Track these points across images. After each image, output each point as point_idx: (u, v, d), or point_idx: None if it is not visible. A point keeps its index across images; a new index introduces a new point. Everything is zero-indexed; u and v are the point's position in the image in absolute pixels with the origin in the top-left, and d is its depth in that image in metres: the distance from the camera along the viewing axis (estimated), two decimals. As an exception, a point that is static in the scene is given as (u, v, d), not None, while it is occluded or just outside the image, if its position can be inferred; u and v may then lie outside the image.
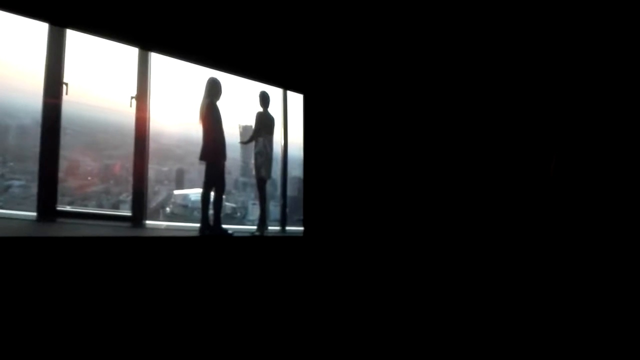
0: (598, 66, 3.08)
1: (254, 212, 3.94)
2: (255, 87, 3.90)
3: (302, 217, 4.12)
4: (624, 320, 2.55)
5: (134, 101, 3.13)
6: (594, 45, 3.14)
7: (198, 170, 3.50)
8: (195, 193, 3.51)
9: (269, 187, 4.00)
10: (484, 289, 3.34)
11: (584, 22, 3.20)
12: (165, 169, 3.38)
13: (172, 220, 3.38)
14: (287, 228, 4.10)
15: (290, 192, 4.20)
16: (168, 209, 3.41)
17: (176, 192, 3.45)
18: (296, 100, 4.17)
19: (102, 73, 3.02)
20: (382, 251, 3.96)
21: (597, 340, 2.58)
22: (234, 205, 3.89)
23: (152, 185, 3.22)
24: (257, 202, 3.92)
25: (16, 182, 2.55)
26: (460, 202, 3.79)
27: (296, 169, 4.21)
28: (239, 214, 3.95)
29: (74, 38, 2.85)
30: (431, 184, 3.95)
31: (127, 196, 3.11)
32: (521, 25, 3.53)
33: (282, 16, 3.75)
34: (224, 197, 3.61)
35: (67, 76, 2.81)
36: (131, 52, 3.16)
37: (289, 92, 4.12)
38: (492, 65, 3.75)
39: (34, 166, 2.59)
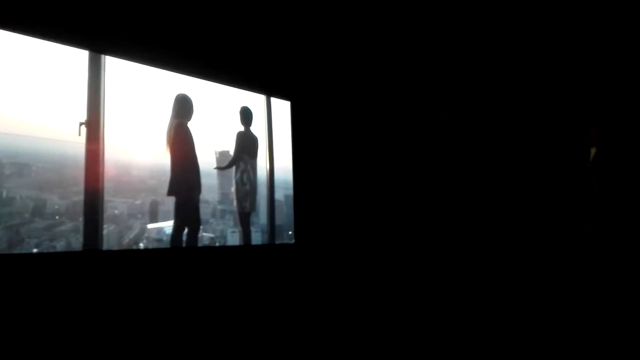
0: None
1: (234, 241, 3.45)
2: (235, 103, 3.33)
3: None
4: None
5: (83, 128, 2.52)
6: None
7: (174, 200, 2.97)
8: (170, 226, 3.03)
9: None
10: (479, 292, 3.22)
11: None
12: (138, 202, 2.98)
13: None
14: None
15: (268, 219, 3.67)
16: (142, 245, 2.97)
17: (150, 226, 3.00)
18: (280, 112, 3.63)
19: (39, 95, 2.42)
20: (375, 263, 3.69)
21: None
22: (211, 235, 3.39)
23: (124, 220, 2.88)
24: (237, 231, 3.39)
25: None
26: (450, 211, 3.61)
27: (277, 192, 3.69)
28: (217, 245, 3.45)
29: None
30: (425, 194, 3.73)
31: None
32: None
33: (264, 17, 3.20)
34: (199, 234, 3.06)
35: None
36: (79, 63, 2.54)
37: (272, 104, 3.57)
38: (491, 66, 3.48)
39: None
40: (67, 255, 2.45)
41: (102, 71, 2.62)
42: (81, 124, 2.52)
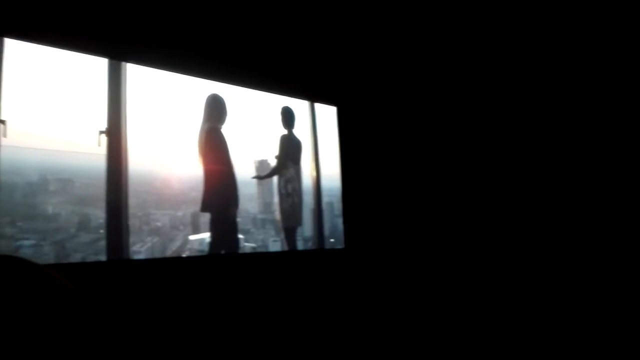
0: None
1: (276, 250, 3.16)
2: (274, 103, 2.95)
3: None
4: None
5: (103, 137, 2.26)
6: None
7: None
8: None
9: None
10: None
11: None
12: (179, 214, 2.84)
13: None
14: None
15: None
16: (184, 256, 2.81)
17: (192, 237, 2.81)
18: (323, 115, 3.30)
19: (54, 104, 2.17)
20: (427, 267, 3.41)
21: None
22: (253, 245, 3.15)
23: (166, 232, 2.73)
24: (279, 240, 3.09)
25: (26, 242, 2.16)
26: (502, 217, 3.27)
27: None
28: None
29: (10, 53, 2.03)
30: (477, 201, 3.37)
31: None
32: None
33: (306, 18, 2.90)
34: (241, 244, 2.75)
35: (5, 112, 2.02)
36: (97, 68, 2.28)
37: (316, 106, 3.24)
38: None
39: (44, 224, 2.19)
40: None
41: (123, 75, 2.36)
42: (101, 132, 2.26)
